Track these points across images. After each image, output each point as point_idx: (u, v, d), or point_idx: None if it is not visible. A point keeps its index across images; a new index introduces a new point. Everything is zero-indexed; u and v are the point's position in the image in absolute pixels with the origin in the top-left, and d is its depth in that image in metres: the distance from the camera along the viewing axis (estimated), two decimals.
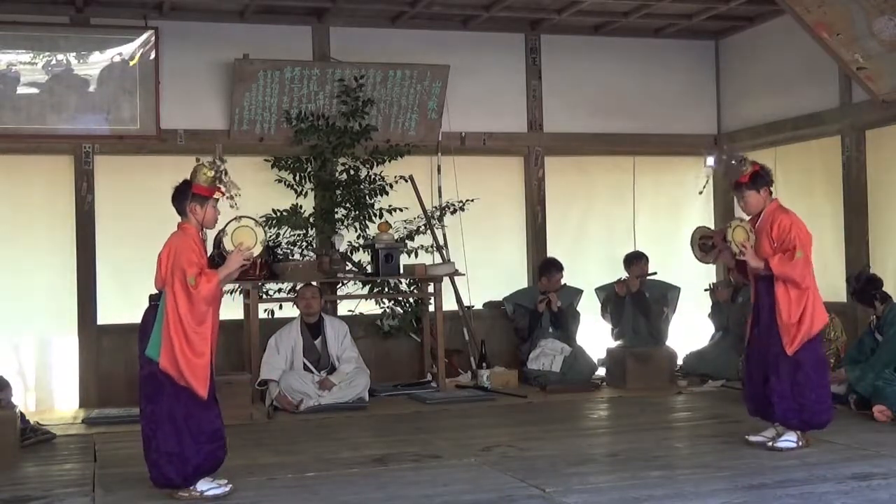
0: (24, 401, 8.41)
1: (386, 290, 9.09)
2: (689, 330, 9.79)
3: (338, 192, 8.98)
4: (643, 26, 9.87)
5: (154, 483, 5.17)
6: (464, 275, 9.07)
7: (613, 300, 9.32)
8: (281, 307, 8.72)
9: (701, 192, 7.66)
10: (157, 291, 5.17)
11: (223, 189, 5.20)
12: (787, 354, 5.88)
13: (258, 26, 9.07)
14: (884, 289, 7.41)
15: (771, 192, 6.11)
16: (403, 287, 9.17)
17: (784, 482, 5.13)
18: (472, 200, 9.39)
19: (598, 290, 9.50)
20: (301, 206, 8.86)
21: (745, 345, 6.40)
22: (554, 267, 9.28)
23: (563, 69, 9.90)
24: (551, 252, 9.68)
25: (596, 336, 9.56)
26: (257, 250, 5.29)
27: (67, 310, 8.65)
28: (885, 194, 8.55)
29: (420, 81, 9.22)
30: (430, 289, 8.82)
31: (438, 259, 9.18)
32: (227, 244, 5.22)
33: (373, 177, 9.07)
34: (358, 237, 9.04)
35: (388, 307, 9.11)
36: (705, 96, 10.40)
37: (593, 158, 10.16)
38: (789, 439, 5.95)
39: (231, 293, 8.44)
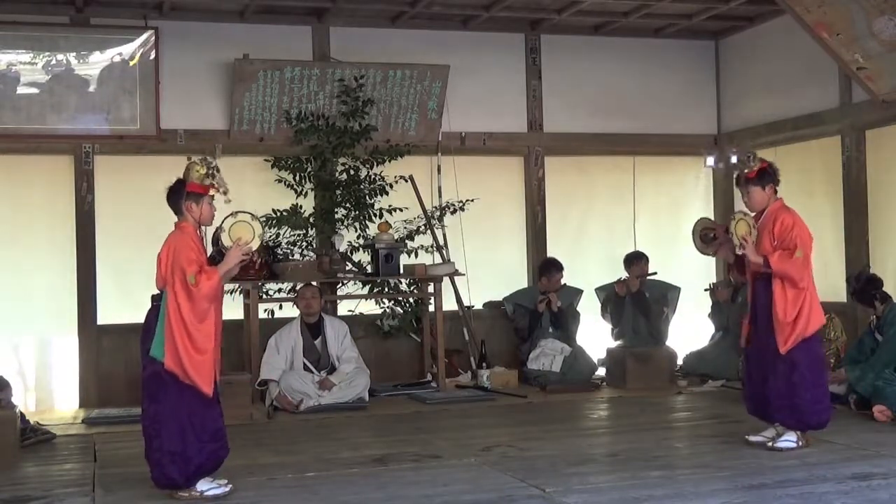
0: (24, 401, 8.41)
1: (386, 290, 9.09)
2: (689, 330, 9.79)
3: (338, 192, 8.98)
4: (643, 26, 9.87)
5: (156, 483, 5.17)
6: (464, 275, 9.07)
7: (613, 300, 9.32)
8: (281, 307, 8.72)
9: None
10: (158, 292, 5.17)
11: (216, 185, 5.20)
12: (781, 353, 5.88)
13: (258, 26, 9.07)
14: (884, 289, 7.40)
15: (776, 191, 6.11)
16: (403, 287, 9.17)
17: (784, 482, 5.13)
18: (472, 200, 9.39)
19: (598, 290, 9.50)
20: (301, 206, 8.85)
21: (740, 343, 6.40)
22: (554, 267, 9.28)
23: (563, 69, 9.90)
24: (551, 252, 9.68)
25: (596, 336, 9.56)
26: (256, 244, 5.30)
27: (67, 310, 8.65)
28: (885, 194, 8.55)
29: (420, 81, 9.22)
30: (430, 289, 8.82)
31: (438, 259, 9.18)
32: (225, 240, 5.22)
33: (373, 177, 9.07)
34: (358, 237, 9.04)
35: (388, 307, 9.11)
36: (705, 96, 10.40)
37: (593, 158, 10.16)
38: (789, 439, 5.95)
39: (231, 293, 8.44)
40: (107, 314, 8.69)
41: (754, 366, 6.12)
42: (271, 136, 9.06)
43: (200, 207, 5.21)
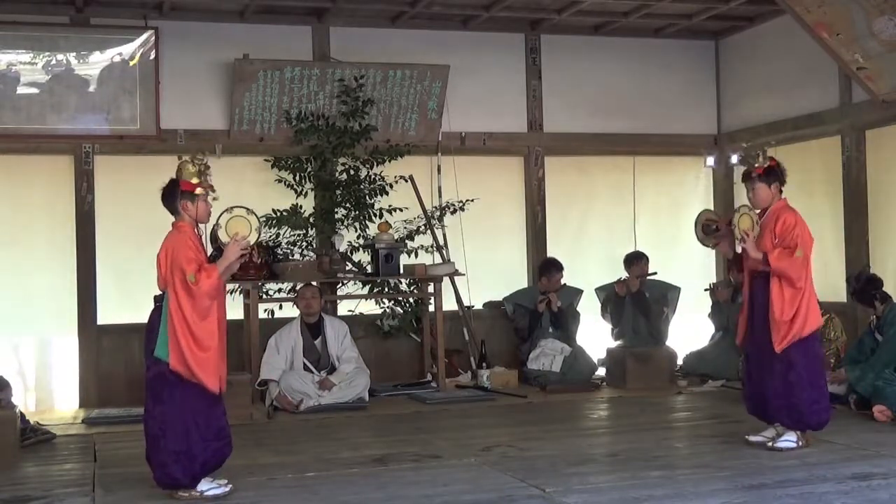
0: (24, 401, 8.41)
1: (386, 290, 9.09)
2: (689, 330, 9.78)
3: (338, 192, 8.98)
4: (643, 26, 9.87)
5: (159, 483, 5.15)
6: (464, 275, 9.07)
7: (613, 300, 9.32)
8: (281, 307, 8.72)
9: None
10: (160, 292, 5.18)
11: (202, 184, 5.19)
12: (777, 353, 5.87)
13: (258, 26, 9.07)
14: (884, 289, 7.40)
15: (781, 191, 6.10)
16: (403, 287, 9.17)
17: (784, 482, 5.13)
18: (472, 200, 9.39)
19: (598, 290, 9.50)
20: (301, 206, 8.85)
21: (736, 341, 6.39)
22: (554, 267, 9.28)
23: (563, 69, 9.90)
24: (551, 252, 9.68)
25: (596, 336, 9.56)
26: (253, 237, 5.29)
27: (67, 310, 8.65)
28: (885, 194, 8.56)
29: (420, 81, 9.22)
30: (430, 289, 8.82)
31: (438, 259, 9.18)
32: (223, 236, 5.22)
33: (373, 177, 9.07)
34: (358, 237, 9.04)
35: (388, 307, 9.11)
36: (705, 96, 10.40)
37: (593, 158, 10.16)
38: (789, 439, 5.95)
39: (231, 293, 8.44)
40: (107, 314, 8.70)
41: (754, 365, 6.12)
42: (271, 136, 9.06)
43: (196, 205, 5.21)
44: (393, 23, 9.37)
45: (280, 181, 8.95)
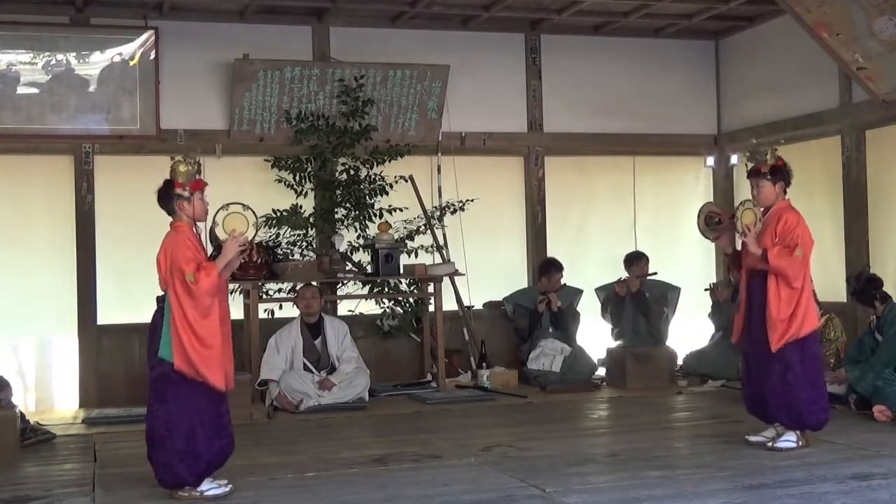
0: (24, 401, 8.41)
1: (386, 290, 9.09)
2: (689, 330, 9.78)
3: (338, 192, 8.98)
4: (643, 26, 9.87)
5: (164, 483, 5.15)
6: (464, 275, 9.07)
7: (613, 300, 9.32)
8: (281, 307, 8.72)
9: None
10: (162, 293, 5.18)
11: (182, 183, 5.20)
12: (773, 352, 5.87)
13: (258, 26, 9.07)
14: (884, 289, 7.40)
15: (785, 191, 6.10)
16: (403, 287, 9.17)
17: (784, 482, 5.13)
18: (472, 200, 9.38)
19: (599, 290, 9.49)
20: (301, 206, 8.85)
21: (732, 339, 6.38)
22: (554, 267, 9.28)
23: (563, 69, 9.90)
24: (551, 252, 9.68)
25: (596, 336, 9.56)
26: (251, 233, 5.29)
27: (67, 310, 8.65)
28: (885, 194, 8.56)
29: (420, 81, 9.22)
30: (430, 289, 8.82)
31: (438, 259, 9.18)
32: (220, 233, 5.22)
33: (373, 177, 9.07)
34: (358, 237, 9.04)
35: (388, 307, 9.11)
36: (705, 96, 10.40)
37: (593, 158, 10.16)
38: (789, 439, 5.95)
39: (231, 293, 8.42)
40: (107, 314, 8.70)
41: (753, 365, 6.12)
42: (271, 136, 9.06)
43: (192, 204, 5.21)
44: (393, 23, 9.37)
45: (280, 181, 8.95)
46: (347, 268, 8.82)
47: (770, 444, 5.98)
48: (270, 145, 9.07)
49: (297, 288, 8.37)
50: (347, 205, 8.99)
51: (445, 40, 9.56)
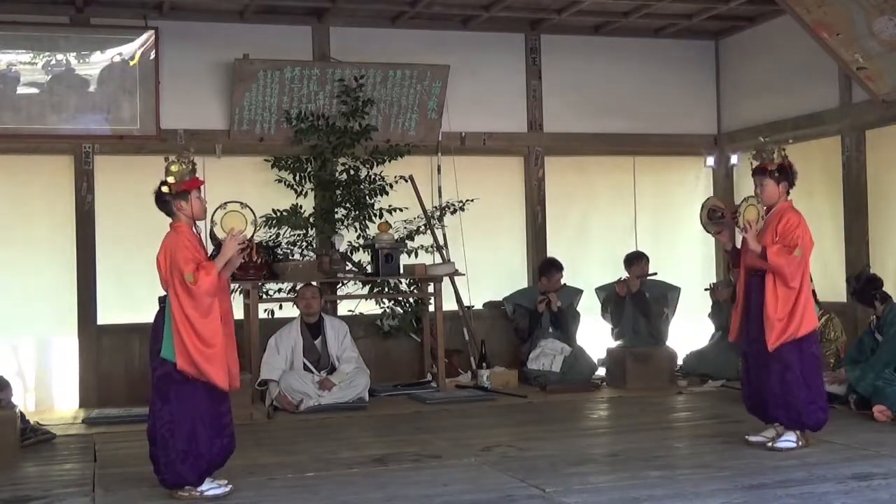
0: (24, 401, 8.41)
1: (386, 290, 9.09)
2: (689, 330, 9.78)
3: (338, 192, 8.98)
4: (643, 26, 9.87)
5: (166, 483, 5.14)
6: (464, 275, 9.07)
7: (613, 300, 9.32)
8: (281, 307, 8.72)
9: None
10: (164, 293, 5.18)
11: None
12: (770, 351, 5.86)
13: (258, 26, 9.07)
14: (884, 289, 7.40)
15: (788, 192, 6.10)
16: (403, 287, 9.17)
17: (784, 482, 5.13)
18: (472, 200, 9.38)
19: (599, 290, 9.49)
20: (301, 206, 8.85)
21: (730, 337, 6.38)
22: (554, 267, 9.28)
23: (563, 69, 9.91)
24: (551, 252, 9.68)
25: (596, 336, 9.55)
26: (249, 231, 5.29)
27: (67, 310, 8.65)
28: (885, 194, 8.56)
29: (420, 81, 9.22)
30: (430, 289, 8.82)
31: (438, 259, 9.18)
32: (219, 232, 5.22)
33: (373, 177, 9.07)
34: (358, 237, 9.04)
35: (388, 307, 9.11)
36: (705, 96, 10.40)
37: (593, 158, 10.16)
38: (789, 439, 5.95)
39: (231, 293, 8.42)
40: (107, 314, 8.70)
41: (752, 365, 6.12)
42: (271, 136, 9.06)
43: (190, 204, 5.21)
44: (393, 23, 9.37)
45: (280, 181, 8.95)
46: (347, 268, 8.82)
47: (770, 444, 5.98)
48: (270, 145, 9.07)
49: (297, 288, 8.37)
50: (347, 205, 8.99)
51: (445, 40, 9.56)
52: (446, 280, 8.95)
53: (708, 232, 6.60)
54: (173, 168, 5.22)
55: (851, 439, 6.17)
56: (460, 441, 6.48)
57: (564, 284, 9.29)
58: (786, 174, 6.06)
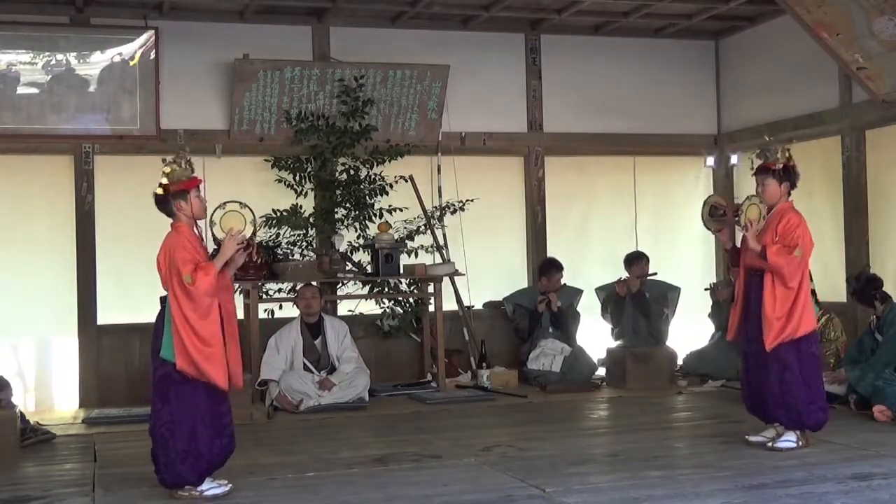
0: (24, 401, 8.41)
1: (386, 290, 9.09)
2: (689, 330, 9.78)
3: (338, 192, 8.98)
4: (643, 26, 9.87)
5: (166, 483, 5.15)
6: (464, 275, 9.07)
7: (614, 300, 9.32)
8: (281, 307, 8.72)
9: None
10: (165, 293, 5.18)
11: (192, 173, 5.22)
12: (768, 351, 5.86)
13: (258, 26, 9.07)
14: (884, 289, 7.40)
15: (790, 192, 6.10)
16: (403, 287, 9.17)
17: (784, 482, 5.13)
18: (472, 200, 9.38)
19: (599, 290, 9.50)
20: (301, 206, 8.85)
21: (728, 336, 6.37)
22: (554, 267, 9.28)
23: (563, 69, 9.90)
24: (551, 252, 9.68)
25: (596, 336, 9.55)
26: (248, 231, 5.28)
27: (67, 310, 8.65)
28: (885, 194, 8.56)
29: (420, 81, 9.22)
30: (430, 289, 8.82)
31: (438, 259, 9.18)
32: (218, 232, 5.22)
33: (373, 177, 9.07)
34: (358, 237, 9.04)
35: (388, 307, 9.11)
36: (705, 96, 10.40)
37: (593, 158, 10.16)
38: (789, 439, 5.95)
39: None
40: (107, 314, 8.70)
41: (751, 365, 6.12)
42: (271, 136, 9.06)
43: (190, 204, 5.21)
44: (393, 23, 9.37)
45: (280, 181, 8.95)
46: (347, 268, 8.82)
47: (770, 444, 5.97)
48: (270, 145, 9.07)
49: (297, 288, 8.37)
50: (347, 205, 8.99)
51: (445, 40, 9.56)
52: (446, 280, 8.95)
53: (708, 229, 6.60)
54: (167, 169, 5.22)
55: (851, 439, 6.17)
56: (460, 441, 6.48)
57: (564, 284, 9.29)
58: (789, 175, 6.06)
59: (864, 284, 7.43)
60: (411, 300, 9.19)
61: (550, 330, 9.21)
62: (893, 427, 6.58)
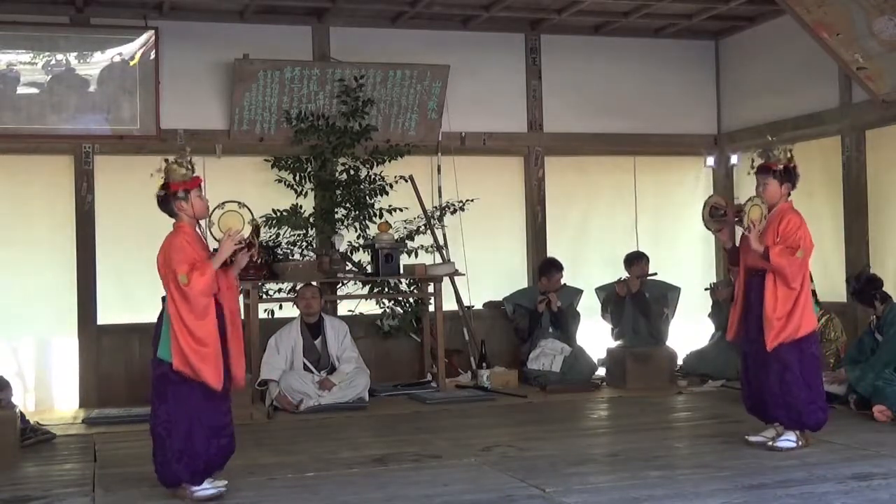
0: (24, 401, 8.41)
1: (386, 290, 9.09)
2: (689, 330, 9.78)
3: (338, 192, 8.98)
4: (643, 26, 9.87)
5: (163, 482, 5.16)
6: (464, 275, 9.07)
7: (614, 300, 9.32)
8: (281, 307, 8.72)
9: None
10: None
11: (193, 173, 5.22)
12: (769, 351, 5.86)
13: (258, 26, 9.07)
14: (884, 289, 7.40)
15: (789, 193, 6.10)
16: (403, 287, 9.17)
17: (784, 482, 5.13)
18: (472, 200, 9.38)
19: (599, 290, 9.50)
20: (301, 206, 8.85)
21: (728, 335, 6.37)
22: (554, 267, 9.28)
23: (563, 69, 9.91)
24: (551, 252, 9.68)
25: (596, 336, 9.55)
26: (247, 231, 5.28)
27: (67, 310, 8.65)
28: (885, 194, 8.56)
29: (420, 81, 9.22)
30: (430, 289, 8.82)
31: (438, 259, 9.18)
32: (216, 232, 5.22)
33: (373, 177, 9.07)
34: (358, 237, 9.04)
35: (388, 307, 9.11)
36: (705, 96, 10.40)
37: (593, 158, 10.16)
38: (789, 439, 5.95)
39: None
40: (107, 314, 8.70)
41: (751, 365, 6.12)
42: (271, 136, 9.06)
43: (191, 203, 5.21)
44: (393, 23, 9.37)
45: (280, 181, 8.95)
46: (347, 268, 8.82)
47: (770, 443, 5.97)
48: (270, 145, 9.07)
49: (297, 288, 8.37)
50: (347, 205, 8.99)
51: (445, 40, 9.56)
52: (446, 280, 8.95)
53: (708, 229, 6.60)
54: (168, 169, 5.22)
55: (851, 439, 6.17)
56: (460, 441, 6.48)
57: (564, 284, 9.29)
58: (789, 175, 6.06)
59: (864, 284, 7.43)
60: (411, 300, 9.19)
61: (550, 330, 9.21)
62: (893, 427, 6.58)
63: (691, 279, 9.82)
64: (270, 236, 8.71)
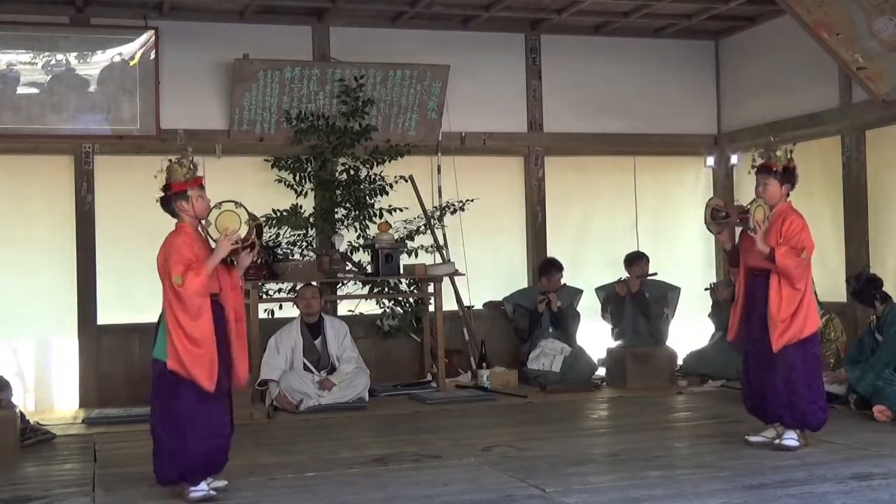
0: (24, 401, 8.41)
1: (386, 290, 9.09)
2: (689, 330, 9.78)
3: (338, 192, 8.98)
4: (643, 26, 9.87)
5: (159, 481, 5.17)
6: (464, 275, 9.07)
7: (614, 300, 9.32)
8: (281, 307, 8.72)
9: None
10: None
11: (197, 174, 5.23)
12: (774, 352, 5.86)
13: (258, 26, 9.07)
14: (884, 289, 7.40)
15: (789, 193, 6.10)
16: (403, 287, 9.17)
17: (784, 482, 5.13)
18: (472, 200, 9.38)
19: (599, 290, 9.50)
20: (301, 206, 8.85)
21: (728, 336, 6.37)
22: (554, 267, 9.28)
23: (563, 69, 9.90)
24: (551, 252, 9.68)
25: (596, 336, 9.55)
26: (244, 231, 5.27)
27: (67, 310, 8.65)
28: (885, 194, 8.56)
29: (420, 81, 9.22)
30: (430, 289, 8.82)
31: (438, 259, 9.18)
32: (213, 232, 5.22)
33: (373, 177, 9.07)
34: (358, 237, 9.04)
35: (388, 307, 9.11)
36: (705, 96, 10.40)
37: (593, 158, 10.16)
38: (791, 437, 5.95)
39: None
40: (107, 314, 8.70)
41: (753, 365, 6.12)
42: (271, 136, 9.06)
43: (192, 203, 5.22)
44: (393, 23, 9.37)
45: (280, 181, 8.96)
46: (347, 268, 8.82)
47: (777, 440, 5.97)
48: (270, 145, 9.07)
49: (297, 288, 8.37)
50: (347, 205, 8.99)
51: (445, 40, 9.56)
52: (446, 280, 8.95)
53: (710, 231, 6.60)
54: (170, 169, 5.22)
55: (851, 439, 6.17)
56: (460, 441, 6.48)
57: (564, 284, 9.29)
58: (790, 175, 6.07)
59: (864, 284, 7.43)
60: (411, 300, 9.19)
61: (550, 330, 9.21)
62: (893, 427, 6.59)
63: (691, 279, 9.82)
64: (270, 236, 8.71)
